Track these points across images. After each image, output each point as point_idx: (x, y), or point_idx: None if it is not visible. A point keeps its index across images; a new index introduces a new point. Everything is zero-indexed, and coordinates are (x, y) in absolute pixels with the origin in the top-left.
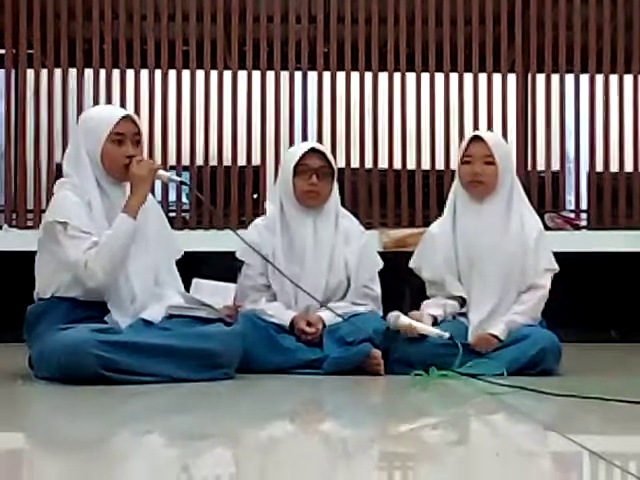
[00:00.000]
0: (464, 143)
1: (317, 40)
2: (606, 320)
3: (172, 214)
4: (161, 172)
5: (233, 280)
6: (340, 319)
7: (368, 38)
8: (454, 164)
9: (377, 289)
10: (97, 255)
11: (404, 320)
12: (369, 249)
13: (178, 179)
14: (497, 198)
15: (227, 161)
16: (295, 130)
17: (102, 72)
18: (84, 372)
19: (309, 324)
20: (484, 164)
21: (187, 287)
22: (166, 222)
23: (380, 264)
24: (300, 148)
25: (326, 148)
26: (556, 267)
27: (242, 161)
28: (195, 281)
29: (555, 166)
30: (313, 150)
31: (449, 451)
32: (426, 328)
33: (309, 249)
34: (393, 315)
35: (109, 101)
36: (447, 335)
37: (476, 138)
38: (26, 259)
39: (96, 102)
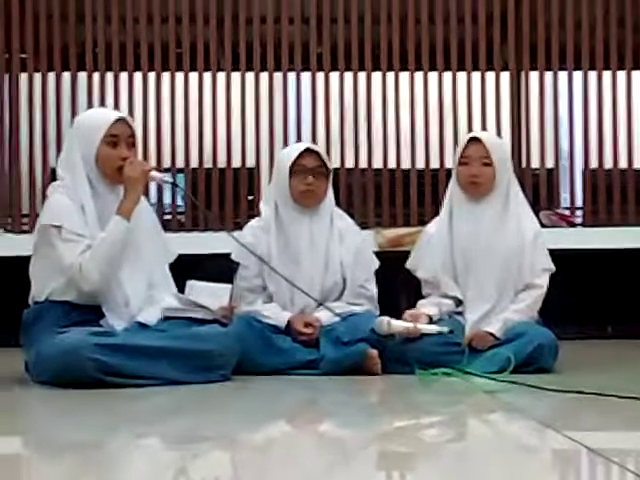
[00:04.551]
0: (461, 144)
1: (310, 41)
2: (602, 316)
3: (167, 217)
4: (154, 173)
5: (229, 283)
6: (337, 318)
7: (361, 38)
8: (448, 163)
9: (373, 289)
10: (92, 258)
11: (399, 324)
12: (365, 249)
13: (171, 180)
14: (494, 199)
15: (222, 163)
16: (289, 131)
17: (95, 76)
18: (80, 375)
19: (306, 325)
20: (481, 165)
21: (182, 290)
22: (159, 226)
23: (376, 264)
24: (295, 149)
25: (321, 148)
26: (553, 267)
27: (237, 163)
28: (190, 283)
29: (549, 163)
30: (308, 150)
31: (447, 449)
32: (426, 327)
33: (304, 249)
34: (383, 321)
35: (103, 104)
36: (447, 330)
37: (474, 139)
38: (22, 264)
39: (90, 106)
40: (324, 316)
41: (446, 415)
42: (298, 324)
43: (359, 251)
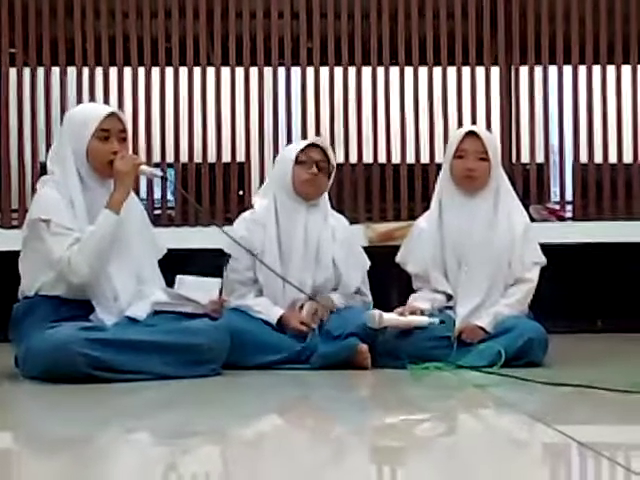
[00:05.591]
0: (457, 137)
1: (300, 35)
2: (592, 310)
3: (157, 211)
4: (144, 167)
5: (219, 277)
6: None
7: (351, 33)
8: (439, 158)
9: (368, 294)
10: (81, 251)
11: (390, 317)
12: (356, 243)
13: (160, 174)
14: (487, 193)
15: (212, 158)
16: (279, 126)
17: (85, 70)
18: (71, 370)
19: (302, 323)
20: (477, 160)
21: (171, 285)
22: (148, 221)
23: (367, 264)
24: (302, 142)
25: (328, 145)
26: (543, 260)
27: (227, 158)
28: (179, 278)
29: (539, 158)
30: (315, 145)
31: (438, 443)
32: (417, 319)
33: (298, 244)
34: (375, 315)
35: (92, 99)
36: (437, 321)
37: (470, 133)
38: (11, 259)
39: (80, 100)
40: (338, 298)
41: (437, 409)
42: (294, 322)
43: (350, 245)
